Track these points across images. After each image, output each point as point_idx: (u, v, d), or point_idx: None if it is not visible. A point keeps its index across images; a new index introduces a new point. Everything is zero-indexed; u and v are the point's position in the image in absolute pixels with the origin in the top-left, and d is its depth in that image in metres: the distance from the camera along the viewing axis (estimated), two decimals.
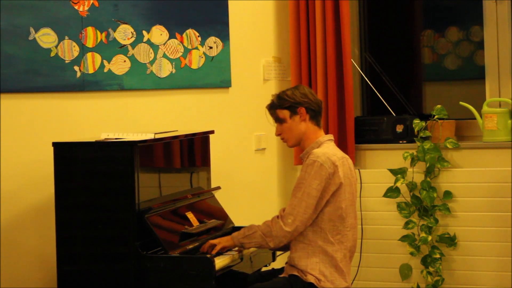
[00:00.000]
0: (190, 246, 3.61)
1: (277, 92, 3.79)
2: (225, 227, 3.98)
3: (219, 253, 3.61)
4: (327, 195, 3.52)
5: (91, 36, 4.08)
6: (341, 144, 4.89)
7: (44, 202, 3.86)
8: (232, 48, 4.73)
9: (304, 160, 3.61)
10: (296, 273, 3.57)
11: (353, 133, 4.88)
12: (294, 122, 3.65)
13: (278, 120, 3.68)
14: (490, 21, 4.87)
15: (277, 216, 3.53)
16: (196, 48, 4.57)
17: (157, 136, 3.68)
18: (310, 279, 3.53)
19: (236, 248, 3.65)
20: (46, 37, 3.92)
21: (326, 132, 4.85)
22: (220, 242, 3.63)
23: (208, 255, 3.46)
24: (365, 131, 5.02)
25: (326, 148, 3.60)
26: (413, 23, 5.65)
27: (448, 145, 4.69)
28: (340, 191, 3.54)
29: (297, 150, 4.86)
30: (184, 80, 4.51)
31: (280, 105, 3.67)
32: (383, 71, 5.37)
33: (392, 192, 4.79)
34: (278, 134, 3.72)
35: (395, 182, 4.76)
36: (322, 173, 3.50)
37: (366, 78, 5.23)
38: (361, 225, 4.90)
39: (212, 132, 4.19)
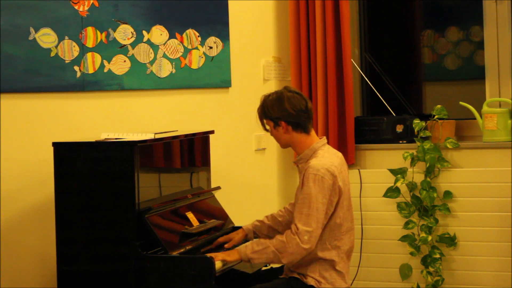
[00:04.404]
0: (190, 246, 3.61)
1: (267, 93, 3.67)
2: (225, 227, 3.98)
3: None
4: (331, 207, 3.50)
5: (91, 36, 4.08)
6: (341, 144, 4.89)
7: (44, 202, 3.86)
8: (232, 48, 4.73)
9: (301, 167, 3.58)
10: (296, 276, 3.57)
11: (353, 133, 4.88)
12: (279, 132, 3.60)
13: (265, 128, 3.66)
14: (490, 21, 4.86)
15: (291, 233, 3.44)
16: (196, 48, 4.56)
17: (157, 136, 3.68)
18: (310, 281, 3.52)
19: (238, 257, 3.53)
20: (46, 37, 3.91)
21: (326, 132, 4.87)
22: (223, 255, 3.49)
23: (209, 255, 3.45)
24: (365, 131, 5.02)
25: (322, 158, 3.54)
26: (413, 23, 5.65)
27: (448, 145, 4.69)
28: (340, 200, 3.53)
29: None
30: (184, 80, 4.51)
31: (264, 115, 3.63)
32: (383, 71, 5.37)
33: (392, 192, 4.79)
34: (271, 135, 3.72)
35: (395, 182, 4.76)
36: (325, 186, 3.46)
37: (366, 78, 5.23)
38: (361, 225, 4.90)
39: (212, 132, 4.19)
